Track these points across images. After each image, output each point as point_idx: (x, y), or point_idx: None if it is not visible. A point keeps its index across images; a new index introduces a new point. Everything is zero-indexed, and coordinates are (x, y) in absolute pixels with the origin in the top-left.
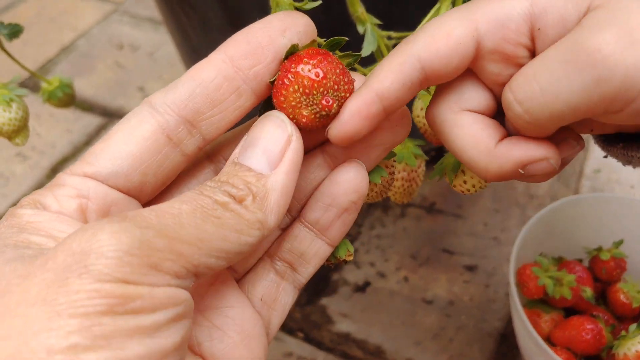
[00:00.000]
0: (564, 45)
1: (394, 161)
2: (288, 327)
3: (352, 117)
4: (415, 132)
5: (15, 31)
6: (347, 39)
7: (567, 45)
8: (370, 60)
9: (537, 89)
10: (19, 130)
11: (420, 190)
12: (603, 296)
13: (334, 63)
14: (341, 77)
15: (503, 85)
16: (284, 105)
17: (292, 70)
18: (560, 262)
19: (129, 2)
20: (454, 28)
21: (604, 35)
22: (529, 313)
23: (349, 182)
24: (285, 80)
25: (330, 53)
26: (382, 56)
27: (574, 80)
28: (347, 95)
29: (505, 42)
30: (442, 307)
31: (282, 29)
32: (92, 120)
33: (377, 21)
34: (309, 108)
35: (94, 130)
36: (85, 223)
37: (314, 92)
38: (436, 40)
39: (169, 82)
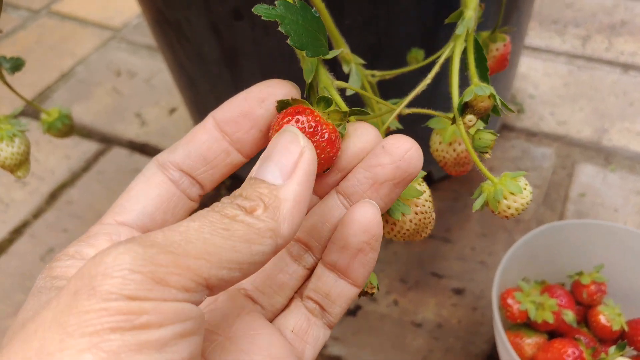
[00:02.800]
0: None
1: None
2: None
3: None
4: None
5: (17, 65)
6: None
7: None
8: (355, 99)
9: None
10: (21, 164)
11: None
12: (585, 319)
13: (318, 119)
14: (325, 131)
15: None
16: None
17: (281, 124)
18: (543, 286)
19: (127, 29)
20: None
21: None
22: (512, 336)
23: (358, 223)
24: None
25: (314, 110)
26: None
27: None
28: (330, 149)
29: None
30: (430, 330)
31: (260, 99)
32: (90, 147)
33: (362, 61)
34: None
35: (92, 157)
36: None
37: None
38: None
39: (166, 108)
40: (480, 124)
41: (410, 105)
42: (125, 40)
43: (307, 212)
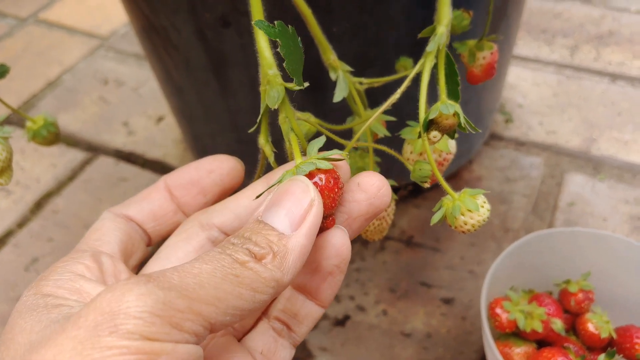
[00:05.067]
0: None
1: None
2: None
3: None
4: (384, 173)
5: (1, 71)
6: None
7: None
8: (343, 106)
9: None
10: (2, 171)
11: (399, 224)
12: (573, 327)
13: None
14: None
15: None
16: None
17: None
18: (531, 295)
19: (115, 38)
20: None
21: None
22: (501, 346)
23: (331, 247)
24: None
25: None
26: (354, 102)
27: None
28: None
29: None
30: (419, 339)
31: (209, 171)
32: (76, 155)
33: (349, 68)
34: None
35: (79, 165)
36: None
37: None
38: None
39: (154, 117)
40: (445, 140)
41: (397, 111)
42: (112, 49)
43: None
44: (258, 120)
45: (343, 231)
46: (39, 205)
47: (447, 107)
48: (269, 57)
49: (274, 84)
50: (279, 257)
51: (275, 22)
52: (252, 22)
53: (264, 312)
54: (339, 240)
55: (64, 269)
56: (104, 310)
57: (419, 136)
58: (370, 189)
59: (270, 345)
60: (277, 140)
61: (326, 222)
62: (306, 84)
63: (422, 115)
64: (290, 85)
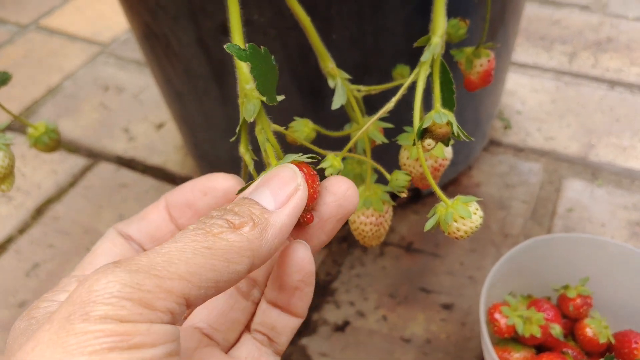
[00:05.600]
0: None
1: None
2: None
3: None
4: (381, 179)
5: (4, 79)
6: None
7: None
8: (341, 113)
9: None
10: (4, 178)
11: (398, 230)
12: (572, 332)
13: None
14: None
15: None
16: None
17: None
18: (530, 300)
19: (115, 45)
20: None
21: None
22: (500, 351)
23: (291, 264)
24: None
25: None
26: (352, 109)
27: None
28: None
29: None
30: (419, 345)
31: (203, 193)
32: (77, 161)
33: (347, 76)
34: None
35: (79, 171)
36: None
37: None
38: None
39: (154, 124)
40: (440, 146)
41: (395, 117)
42: (113, 56)
43: None
44: (237, 131)
45: (305, 246)
46: (39, 211)
47: (441, 117)
48: (246, 72)
49: (250, 98)
50: (259, 227)
51: (247, 45)
52: (225, 47)
53: (247, 325)
54: (300, 255)
55: (52, 298)
56: (75, 302)
57: (414, 144)
58: (338, 191)
59: (254, 353)
60: (258, 149)
61: (306, 217)
62: (280, 98)
63: (416, 123)
64: (265, 98)
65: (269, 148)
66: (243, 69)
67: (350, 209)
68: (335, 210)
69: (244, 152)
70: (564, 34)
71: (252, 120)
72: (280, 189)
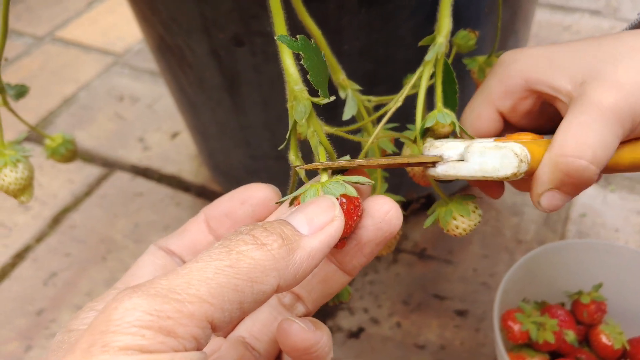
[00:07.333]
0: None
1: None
2: None
3: None
4: (393, 188)
5: (21, 91)
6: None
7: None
8: (353, 123)
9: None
10: (24, 189)
11: (411, 237)
12: (586, 339)
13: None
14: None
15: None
16: None
17: None
18: (543, 307)
19: (129, 55)
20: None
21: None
22: (514, 357)
23: (289, 341)
24: None
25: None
26: (363, 119)
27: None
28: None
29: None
30: (433, 351)
31: (241, 202)
32: (93, 171)
33: (358, 87)
34: None
35: (95, 181)
36: None
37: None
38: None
39: (168, 133)
40: None
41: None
42: (127, 66)
43: None
44: (287, 137)
45: (300, 326)
46: (56, 221)
47: (444, 117)
48: (294, 73)
49: (300, 99)
50: (288, 246)
51: (298, 36)
52: (275, 37)
53: None
54: (294, 331)
55: (92, 308)
56: (95, 331)
57: (414, 141)
58: (377, 214)
59: None
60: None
61: (338, 243)
62: (332, 97)
63: (418, 122)
64: (316, 99)
65: (322, 152)
66: (290, 69)
67: (392, 232)
68: (373, 235)
69: (295, 160)
70: (575, 39)
71: (303, 120)
72: (316, 217)
